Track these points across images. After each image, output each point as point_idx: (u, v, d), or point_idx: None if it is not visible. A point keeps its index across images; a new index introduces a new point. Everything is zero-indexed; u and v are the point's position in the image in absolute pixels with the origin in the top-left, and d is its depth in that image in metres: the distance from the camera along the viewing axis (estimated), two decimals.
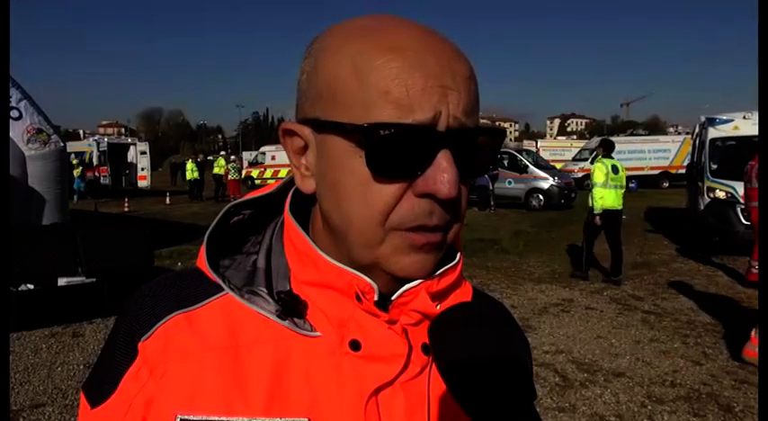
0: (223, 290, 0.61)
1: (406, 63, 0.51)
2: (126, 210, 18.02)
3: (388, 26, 0.54)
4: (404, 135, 0.51)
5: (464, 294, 0.64)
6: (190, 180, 23.09)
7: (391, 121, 0.50)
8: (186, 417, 0.55)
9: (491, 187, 17.38)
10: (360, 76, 0.52)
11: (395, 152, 0.51)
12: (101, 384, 0.61)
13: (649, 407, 4.17)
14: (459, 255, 0.64)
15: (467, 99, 0.53)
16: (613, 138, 29.73)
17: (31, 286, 5.95)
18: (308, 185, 0.59)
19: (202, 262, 0.63)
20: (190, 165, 23.44)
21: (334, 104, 0.53)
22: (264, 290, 0.61)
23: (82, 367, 4.87)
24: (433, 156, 0.52)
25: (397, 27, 0.54)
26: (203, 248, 0.63)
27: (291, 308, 0.58)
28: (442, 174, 0.51)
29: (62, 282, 6.20)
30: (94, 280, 6.28)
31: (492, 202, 17.40)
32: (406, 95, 0.50)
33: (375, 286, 0.57)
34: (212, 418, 0.54)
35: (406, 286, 0.58)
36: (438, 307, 0.60)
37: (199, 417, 0.55)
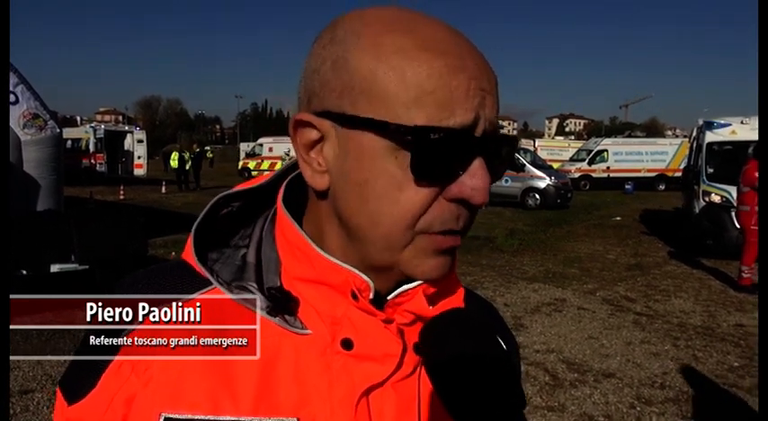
0: (211, 284, 0.59)
1: (450, 63, 0.50)
2: (121, 198, 17.93)
3: (422, 23, 0.53)
4: (449, 139, 0.49)
5: (457, 295, 0.63)
6: (174, 169, 23.12)
7: (434, 124, 0.49)
8: (171, 416, 0.53)
9: None
10: (401, 73, 0.50)
11: (438, 156, 0.50)
12: (79, 380, 0.59)
13: (638, 409, 4.19)
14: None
15: (497, 105, 0.53)
16: (612, 140, 30.21)
17: (23, 272, 5.93)
18: (320, 182, 0.55)
19: (189, 254, 0.60)
20: (174, 154, 23.42)
21: (370, 100, 0.50)
22: (254, 285, 0.59)
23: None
24: (469, 162, 0.51)
25: (433, 26, 0.53)
26: (190, 240, 0.61)
27: (282, 304, 0.57)
28: (477, 181, 0.51)
29: (55, 268, 6.18)
30: (87, 267, 6.26)
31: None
32: (449, 96, 0.49)
33: (371, 284, 0.55)
34: (198, 417, 0.53)
35: (405, 286, 0.56)
36: (431, 308, 0.59)
37: (184, 416, 0.53)
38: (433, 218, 0.52)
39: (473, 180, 0.51)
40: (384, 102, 0.50)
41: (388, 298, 0.57)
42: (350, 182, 0.53)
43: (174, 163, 22.99)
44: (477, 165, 0.51)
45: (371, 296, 0.56)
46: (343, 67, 0.52)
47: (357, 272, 0.55)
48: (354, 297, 0.55)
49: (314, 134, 0.54)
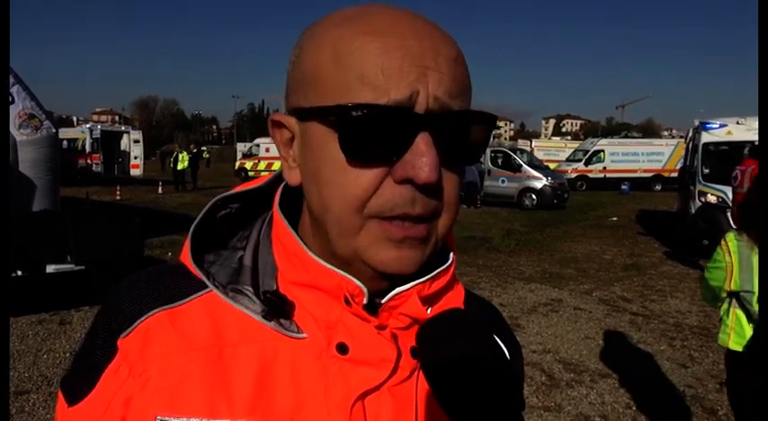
0: (207, 287, 0.59)
1: (384, 45, 0.50)
2: (118, 198, 17.88)
3: (372, 12, 0.53)
4: (379, 116, 0.49)
5: (456, 297, 0.62)
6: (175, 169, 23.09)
7: (366, 102, 0.49)
8: (166, 419, 0.53)
9: (479, 184, 17.33)
10: (338, 60, 0.50)
11: (370, 135, 0.49)
12: (79, 381, 0.59)
13: (634, 409, 4.20)
14: (452, 255, 0.61)
15: (451, 81, 0.51)
16: (608, 140, 30.29)
17: (19, 272, 5.91)
18: (293, 177, 0.57)
19: (186, 257, 0.60)
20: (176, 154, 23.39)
21: (315, 91, 0.52)
22: (250, 289, 0.59)
23: (68, 355, 4.84)
24: (411, 140, 0.50)
25: (382, 12, 0.53)
26: (187, 243, 0.61)
27: (278, 308, 0.56)
28: (420, 158, 0.49)
29: (51, 269, 6.15)
30: (83, 267, 6.24)
31: (479, 200, 17.35)
32: (381, 76, 0.49)
33: (365, 289, 0.55)
34: (192, 420, 0.53)
35: (398, 289, 0.56)
36: (429, 311, 0.58)
37: (179, 419, 0.53)
38: (383, 201, 0.51)
39: (415, 157, 0.49)
40: (325, 90, 0.51)
41: (382, 302, 0.56)
42: (308, 172, 0.55)
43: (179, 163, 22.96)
44: (420, 142, 0.49)
45: (365, 301, 0.55)
46: (298, 65, 0.55)
47: (349, 276, 0.55)
48: (347, 302, 0.55)
49: (287, 132, 0.57)
